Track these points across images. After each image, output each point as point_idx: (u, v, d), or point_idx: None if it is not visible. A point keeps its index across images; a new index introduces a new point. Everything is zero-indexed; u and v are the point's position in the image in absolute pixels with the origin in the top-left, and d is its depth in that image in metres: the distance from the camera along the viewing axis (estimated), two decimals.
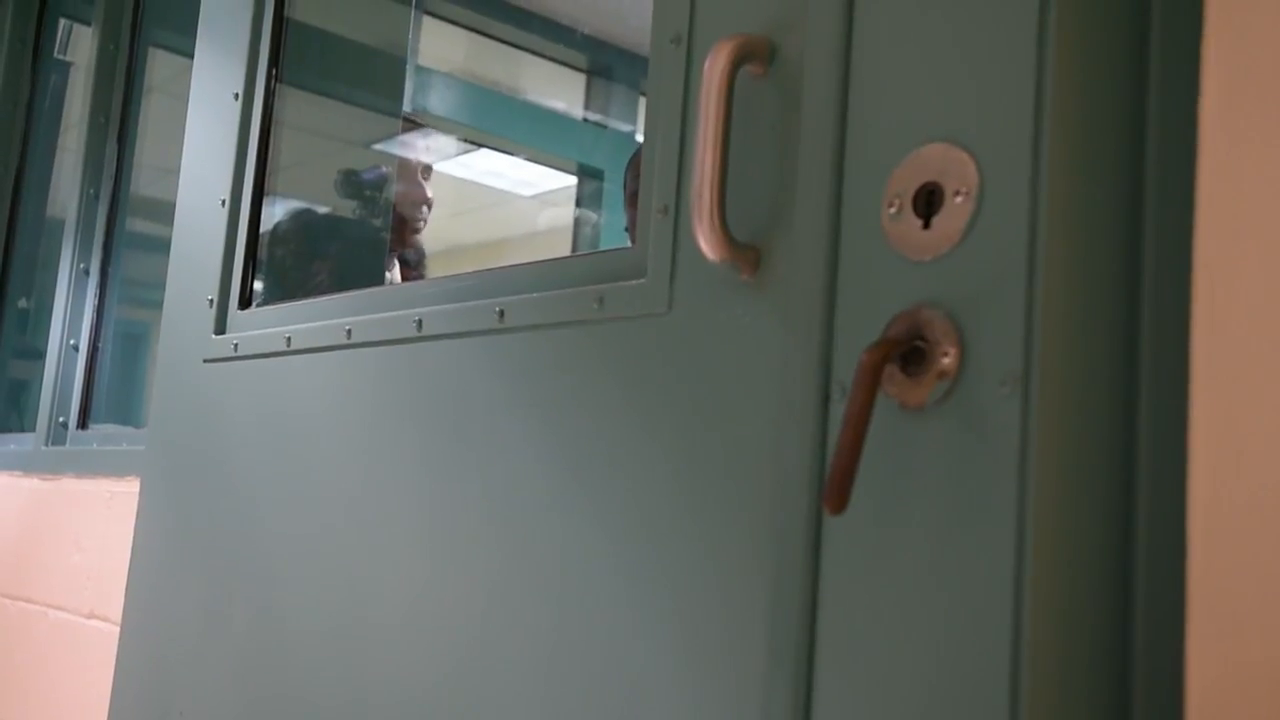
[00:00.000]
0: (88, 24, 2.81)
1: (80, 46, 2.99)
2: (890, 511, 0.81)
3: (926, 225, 0.82)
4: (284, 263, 2.18)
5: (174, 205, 1.93)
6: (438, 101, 3.79)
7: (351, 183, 2.19)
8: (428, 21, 3.68)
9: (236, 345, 1.67)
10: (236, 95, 1.78)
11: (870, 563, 0.81)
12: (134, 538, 1.84)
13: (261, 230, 1.91)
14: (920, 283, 0.82)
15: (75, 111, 2.90)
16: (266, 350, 1.60)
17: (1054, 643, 0.73)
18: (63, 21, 3.05)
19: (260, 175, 1.75)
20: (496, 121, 3.99)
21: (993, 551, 0.74)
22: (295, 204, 2.24)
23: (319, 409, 1.50)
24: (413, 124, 2.31)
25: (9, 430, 2.94)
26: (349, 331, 1.46)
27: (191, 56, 1.95)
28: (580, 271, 1.18)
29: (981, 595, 0.74)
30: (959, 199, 0.80)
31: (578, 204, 4.32)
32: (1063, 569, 0.74)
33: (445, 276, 1.40)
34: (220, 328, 1.73)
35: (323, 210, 2.29)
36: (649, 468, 1.03)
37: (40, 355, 2.70)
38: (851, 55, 0.89)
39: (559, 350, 1.16)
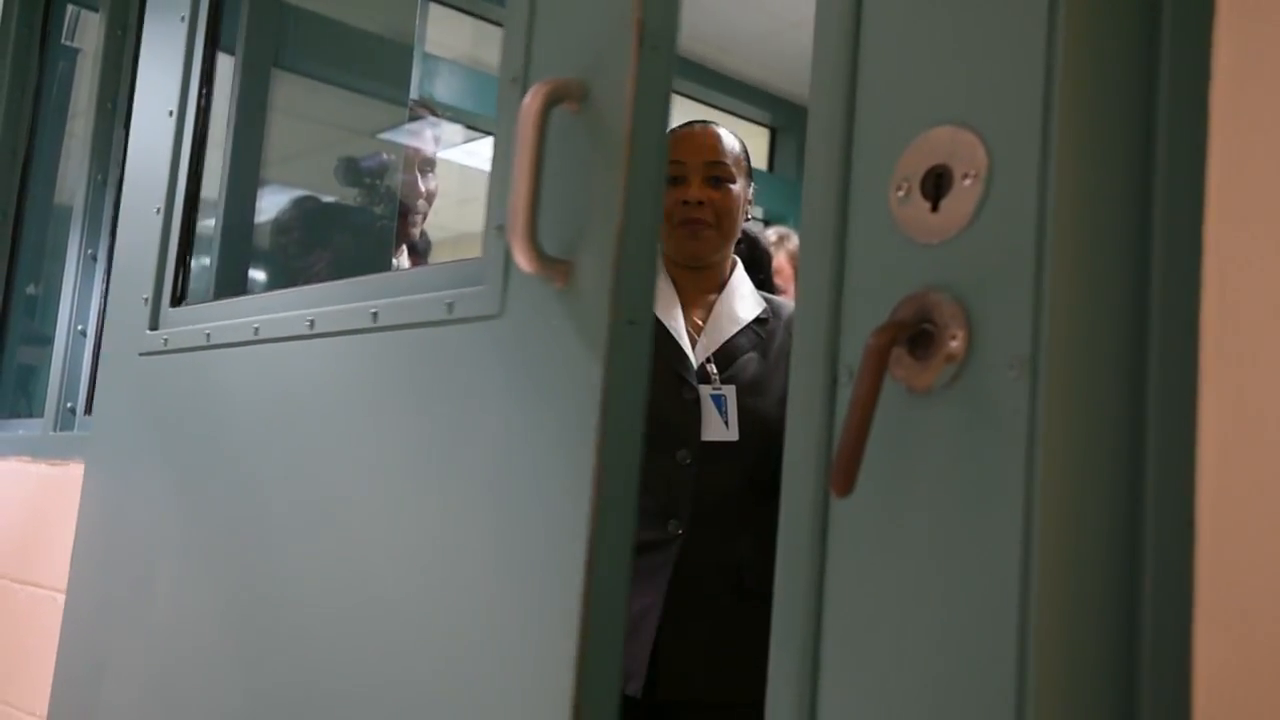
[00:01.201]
0: (95, 10, 2.81)
1: (87, 32, 2.99)
2: (897, 494, 0.81)
3: (935, 208, 0.82)
4: (286, 251, 2.18)
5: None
6: (444, 89, 3.79)
7: (351, 171, 2.19)
8: (434, 9, 3.67)
9: (167, 340, 1.84)
10: (171, 112, 1.94)
11: (877, 545, 0.81)
12: (78, 517, 2.01)
13: (262, 220, 2.00)
14: (928, 266, 0.82)
15: (83, 98, 2.90)
16: (191, 345, 1.77)
17: (1061, 627, 0.73)
18: (70, 7, 3.04)
19: (192, 185, 1.92)
20: None
21: (1000, 535, 0.74)
22: (295, 193, 2.25)
23: (231, 400, 1.68)
24: (419, 112, 2.30)
25: (17, 415, 2.94)
26: (256, 329, 1.63)
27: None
28: (437, 279, 1.34)
29: (988, 579, 0.74)
30: (968, 181, 0.80)
31: None
32: (1070, 553, 0.74)
33: (332, 282, 1.60)
34: (154, 324, 1.89)
35: (323, 199, 2.29)
36: (490, 447, 1.21)
37: (48, 341, 2.71)
38: (860, 37, 0.89)
39: (419, 347, 1.33)
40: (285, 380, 1.57)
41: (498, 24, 4.00)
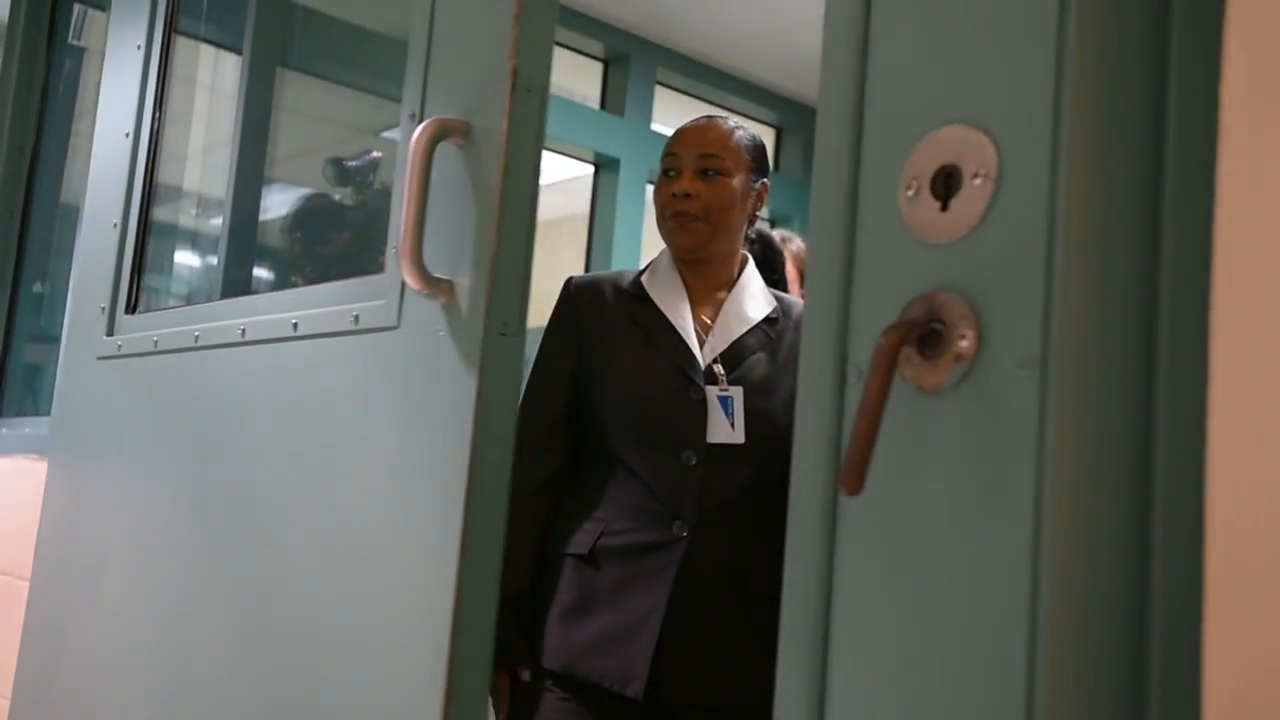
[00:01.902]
0: (102, 9, 2.81)
1: (94, 31, 2.99)
2: (906, 493, 0.80)
3: (944, 208, 0.82)
4: (291, 250, 2.19)
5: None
6: None
7: (339, 170, 2.20)
8: None
9: (120, 345, 2.00)
10: (128, 134, 2.10)
11: (886, 544, 0.81)
12: (42, 507, 2.18)
13: (267, 218, 2.08)
14: (938, 265, 0.82)
15: (89, 96, 2.91)
16: (141, 350, 1.94)
17: (1070, 628, 0.73)
18: (77, 7, 3.05)
19: (145, 202, 2.07)
20: None
21: (1009, 535, 0.74)
22: (294, 193, 2.26)
23: (175, 401, 1.86)
24: None
25: (24, 413, 2.95)
26: (196, 336, 1.81)
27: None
28: (346, 293, 1.52)
29: (998, 578, 0.74)
30: (977, 181, 0.80)
31: (594, 192, 4.32)
32: (1080, 553, 0.73)
33: (260, 295, 1.81)
34: (110, 330, 2.05)
35: (316, 198, 2.29)
36: (388, 445, 1.40)
37: (54, 339, 2.71)
38: (869, 36, 0.89)
39: (332, 353, 1.50)
40: (221, 383, 1.75)
41: None
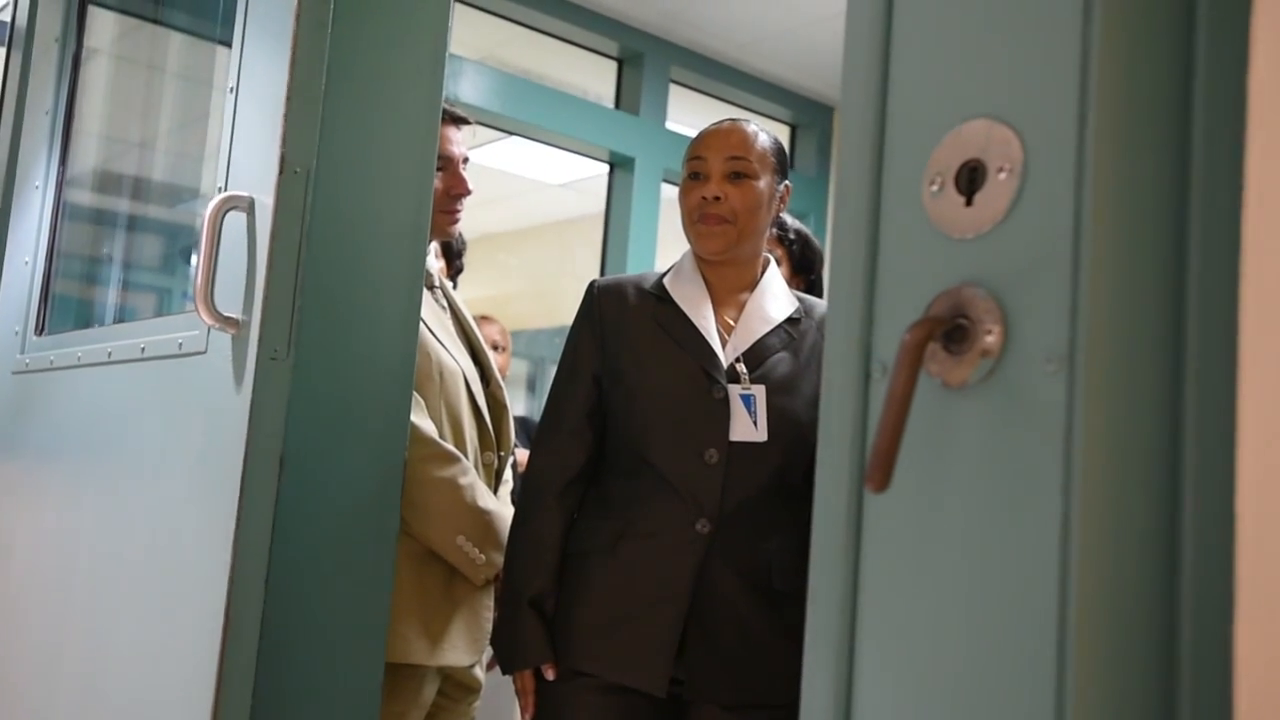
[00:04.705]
0: (105, 7, 2.84)
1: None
2: (933, 490, 0.80)
3: (969, 203, 0.81)
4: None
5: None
6: (469, 90, 3.80)
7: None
8: (459, 9, 3.67)
9: (28, 363, 2.35)
10: (37, 186, 2.47)
11: (912, 541, 0.81)
12: None
13: None
14: (963, 261, 0.81)
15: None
16: (42, 367, 2.27)
17: (1100, 624, 0.72)
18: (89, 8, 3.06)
19: (51, 244, 2.44)
20: (524, 109, 3.98)
21: (1038, 531, 0.74)
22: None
23: (60, 412, 2.19)
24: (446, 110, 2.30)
25: None
26: (79, 356, 2.12)
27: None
28: (176, 324, 1.86)
29: (1026, 575, 0.74)
30: (1002, 176, 0.79)
31: (609, 191, 4.31)
32: (1109, 550, 0.73)
33: (122, 324, 2.19)
34: (22, 350, 2.40)
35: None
36: (195, 456, 1.72)
37: None
38: (891, 30, 0.89)
39: (164, 373, 1.85)
40: (91, 398, 2.08)
41: (519, 24, 3.99)
